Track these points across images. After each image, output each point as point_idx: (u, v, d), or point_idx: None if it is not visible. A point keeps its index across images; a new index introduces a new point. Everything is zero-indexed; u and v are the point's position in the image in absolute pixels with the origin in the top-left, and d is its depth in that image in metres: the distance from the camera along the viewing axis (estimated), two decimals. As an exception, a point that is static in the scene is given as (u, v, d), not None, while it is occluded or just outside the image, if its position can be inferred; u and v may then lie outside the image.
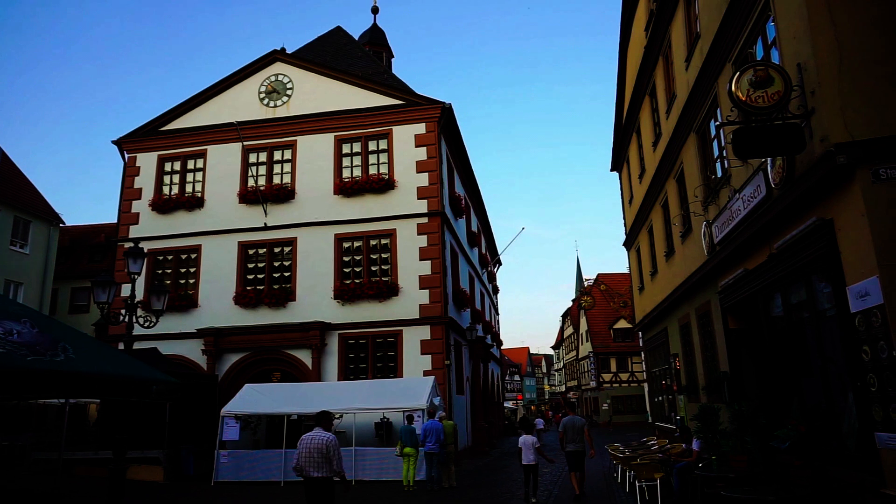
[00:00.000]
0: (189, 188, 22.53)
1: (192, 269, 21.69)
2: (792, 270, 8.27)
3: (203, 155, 22.76)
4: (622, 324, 51.52)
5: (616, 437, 31.27)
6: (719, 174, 11.12)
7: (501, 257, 41.38)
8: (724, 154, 10.23)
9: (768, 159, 8.02)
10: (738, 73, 7.04)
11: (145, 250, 20.61)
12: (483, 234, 34.69)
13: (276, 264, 21.37)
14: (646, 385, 41.53)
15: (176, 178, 22.69)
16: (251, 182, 21.85)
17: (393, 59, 32.60)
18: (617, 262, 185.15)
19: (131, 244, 12.38)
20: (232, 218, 21.77)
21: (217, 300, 20.99)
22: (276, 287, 20.96)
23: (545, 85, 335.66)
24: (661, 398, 21.87)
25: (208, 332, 20.32)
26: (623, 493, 12.90)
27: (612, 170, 25.14)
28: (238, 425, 16.51)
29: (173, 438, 17.02)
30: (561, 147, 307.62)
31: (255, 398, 17.14)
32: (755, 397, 10.35)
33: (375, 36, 31.84)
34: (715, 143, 11.21)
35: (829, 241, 7.04)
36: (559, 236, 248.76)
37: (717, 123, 7.52)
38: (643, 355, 30.76)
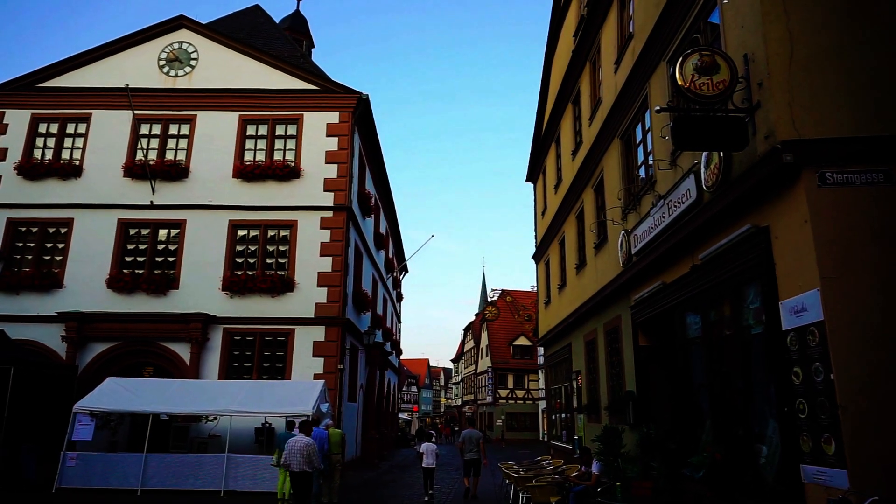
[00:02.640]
0: (66, 154, 20.03)
1: (59, 245, 19.18)
2: (716, 284, 7.72)
3: (86, 120, 20.38)
4: (522, 340, 51.97)
5: (508, 453, 30.86)
6: (643, 180, 10.63)
7: (408, 265, 40.41)
8: (651, 158, 9.73)
9: (702, 160, 7.47)
10: (682, 58, 6.41)
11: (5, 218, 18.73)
12: (391, 237, 33.61)
13: (161, 248, 19.32)
14: (541, 403, 41.73)
15: (51, 142, 20.13)
16: (140, 155, 19.71)
17: (313, 50, 31.09)
18: (522, 280, 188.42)
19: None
20: (113, 192, 19.53)
21: (86, 282, 18.65)
22: (157, 272, 18.89)
23: (468, 98, 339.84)
24: (555, 416, 21.52)
25: (72, 316, 17.95)
26: (516, 515, 12.14)
27: (527, 180, 24.81)
28: (93, 424, 14.47)
29: (13, 437, 14.67)
30: (477, 163, 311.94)
31: (117, 393, 15.14)
32: (664, 420, 9.79)
33: (297, 22, 30.32)
34: (640, 149, 10.74)
35: (764, 250, 6.47)
36: (467, 251, 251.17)
37: (657, 109, 6.89)
38: (543, 372, 30.62)
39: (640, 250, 10.07)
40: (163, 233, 19.42)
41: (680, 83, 6.31)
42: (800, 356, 5.94)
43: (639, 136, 10.87)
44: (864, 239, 5.79)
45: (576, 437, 16.50)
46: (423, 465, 13.96)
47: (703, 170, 7.45)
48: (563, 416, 19.78)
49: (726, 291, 7.65)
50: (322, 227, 19.30)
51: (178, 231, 19.34)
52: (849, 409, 5.42)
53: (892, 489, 5.15)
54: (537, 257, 23.65)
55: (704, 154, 7.46)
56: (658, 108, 6.84)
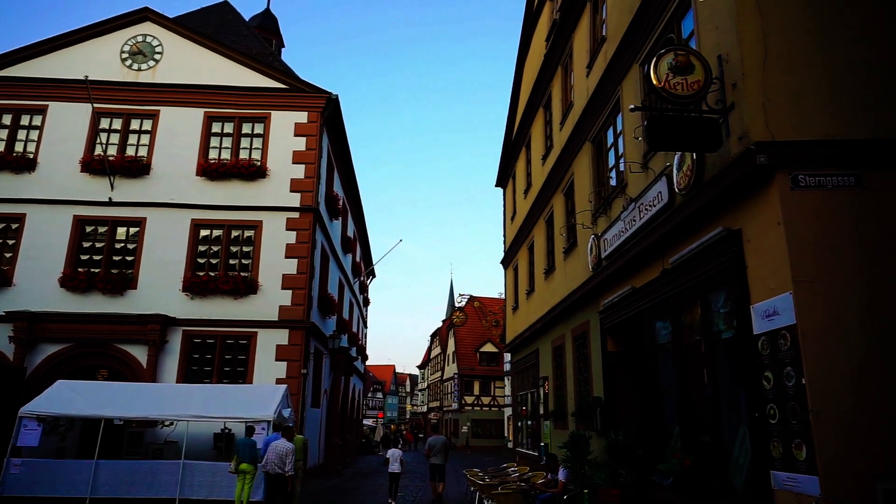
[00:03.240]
0: (20, 147, 19.24)
1: (10, 242, 18.35)
2: (686, 288, 7.63)
3: (42, 112, 19.59)
4: (489, 347, 51.89)
5: (474, 460, 30.63)
6: (614, 184, 10.55)
7: (376, 269, 40.00)
8: (622, 161, 9.66)
9: (674, 162, 7.39)
10: (657, 57, 6.32)
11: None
12: (359, 241, 33.21)
13: (119, 246, 18.64)
14: (507, 410, 41.65)
15: (3, 134, 19.31)
16: (99, 150, 19.03)
17: (283, 49, 30.63)
18: (490, 287, 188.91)
19: None
20: (69, 188, 18.78)
21: (38, 280, 17.86)
22: (114, 272, 18.20)
23: (437, 99, 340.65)
24: (521, 423, 21.39)
25: (21, 315, 17.17)
26: (481, 523, 11.91)
27: (497, 185, 24.74)
28: (40, 429, 13.75)
29: (-47, 441, 13.91)
30: (446, 166, 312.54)
31: (67, 397, 14.44)
32: (632, 426, 9.67)
33: (267, 21, 29.79)
34: (612, 153, 10.68)
35: (736, 253, 6.39)
36: (434, 256, 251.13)
37: (632, 107, 6.79)
38: (510, 378, 30.50)
39: (610, 254, 9.98)
40: (121, 231, 18.75)
41: (654, 82, 6.22)
42: (771, 360, 5.85)
43: (610, 140, 10.81)
44: (837, 242, 5.74)
45: (542, 444, 16.37)
46: (389, 470, 14.63)
47: (675, 172, 7.38)
48: (530, 422, 19.64)
49: (697, 295, 7.56)
50: (288, 229, 18.86)
51: (137, 229, 18.70)
52: (821, 415, 5.33)
53: (863, 496, 5.07)
54: (506, 263, 23.55)
55: (677, 156, 7.39)
56: (632, 106, 6.73)
